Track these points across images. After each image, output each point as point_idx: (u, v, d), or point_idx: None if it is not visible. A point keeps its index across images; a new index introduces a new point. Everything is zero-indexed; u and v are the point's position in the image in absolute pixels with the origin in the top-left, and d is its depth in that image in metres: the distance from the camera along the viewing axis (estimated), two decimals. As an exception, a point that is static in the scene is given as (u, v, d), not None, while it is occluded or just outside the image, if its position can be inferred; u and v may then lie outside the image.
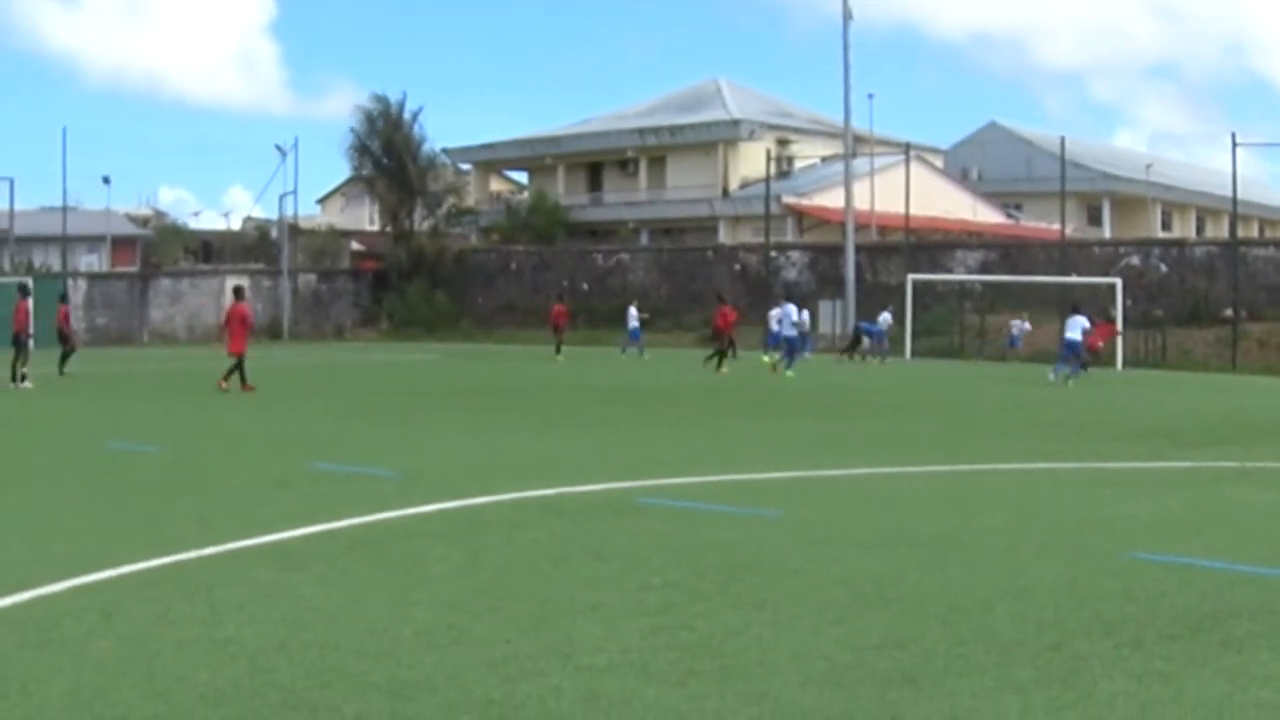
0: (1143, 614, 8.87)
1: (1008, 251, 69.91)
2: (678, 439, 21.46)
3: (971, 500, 14.49)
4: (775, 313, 49.22)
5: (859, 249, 67.64)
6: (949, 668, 7.58)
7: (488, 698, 7.00)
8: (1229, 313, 56.74)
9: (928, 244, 72.22)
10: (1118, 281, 57.04)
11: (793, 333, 44.28)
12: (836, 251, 68.50)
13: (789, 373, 41.70)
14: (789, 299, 48.73)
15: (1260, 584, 9.96)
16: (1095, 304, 57.49)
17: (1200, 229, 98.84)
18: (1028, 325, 56.05)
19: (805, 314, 50.59)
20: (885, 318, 57.49)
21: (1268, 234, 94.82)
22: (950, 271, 67.57)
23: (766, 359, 47.07)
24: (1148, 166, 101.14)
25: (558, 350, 49.86)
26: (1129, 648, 8.03)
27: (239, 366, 30.34)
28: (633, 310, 56.53)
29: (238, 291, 32.39)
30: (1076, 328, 42.20)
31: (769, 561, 10.62)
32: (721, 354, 43.94)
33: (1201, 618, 8.79)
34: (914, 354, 58.12)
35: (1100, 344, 48.49)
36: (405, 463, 17.01)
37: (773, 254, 72.53)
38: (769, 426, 24.16)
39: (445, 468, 16.75)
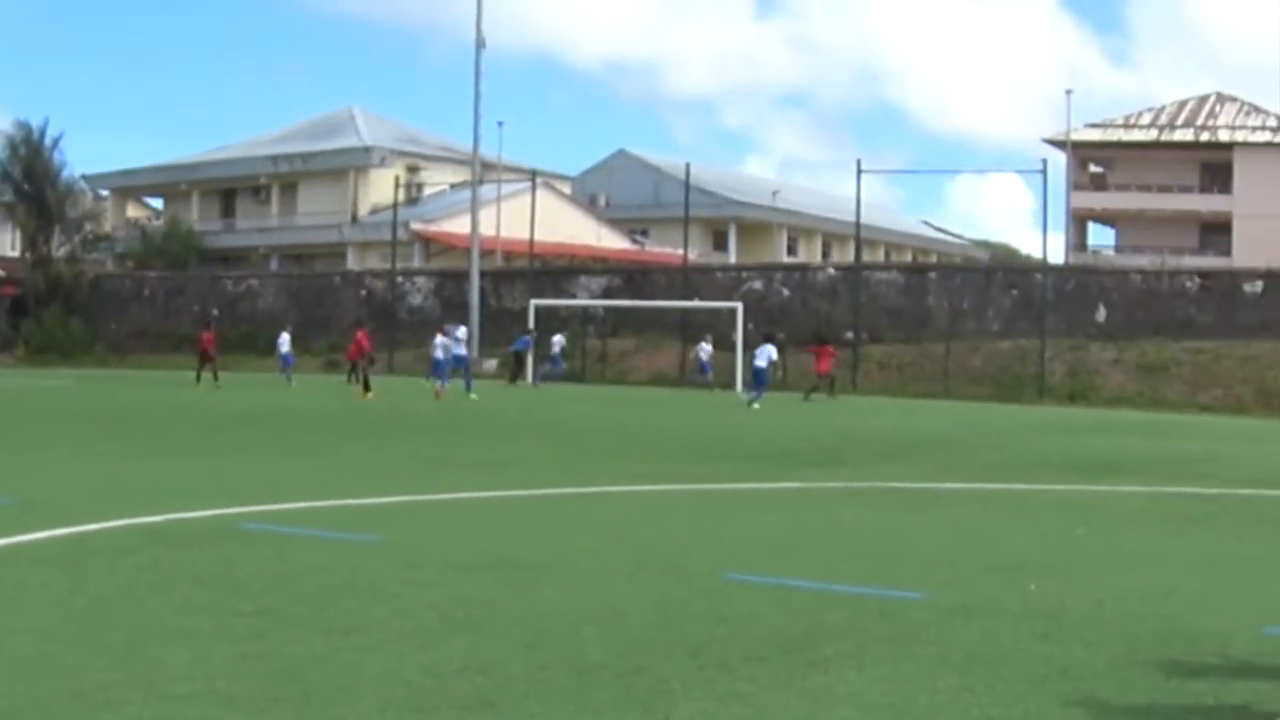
0: (732, 635, 8.80)
1: (631, 276, 71.44)
2: (296, 464, 20.91)
3: (576, 523, 14.42)
4: (440, 340, 49.53)
5: (484, 274, 68.30)
6: (529, 692, 7.38)
7: (71, 727, 6.68)
8: (850, 335, 58.31)
9: (552, 269, 73.59)
10: (739, 306, 58.31)
11: (463, 352, 44.92)
12: (462, 277, 69.02)
13: (472, 395, 42.52)
14: (461, 323, 49.16)
15: (853, 603, 10.00)
16: (718, 328, 58.83)
17: (826, 254, 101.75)
18: (708, 347, 56.62)
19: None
20: (559, 340, 58.07)
21: (893, 258, 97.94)
22: (574, 296, 68.59)
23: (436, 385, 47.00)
24: (775, 193, 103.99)
25: (200, 377, 48.26)
26: (714, 669, 7.93)
27: None
28: (285, 336, 56.12)
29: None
30: (764, 356, 44.04)
31: (363, 586, 10.33)
32: (357, 376, 44.08)
33: (791, 638, 8.76)
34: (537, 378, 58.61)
35: (828, 366, 49.64)
36: (24, 489, 16.15)
37: (399, 280, 72.99)
38: (389, 450, 23.74)
39: (63, 493, 16.00)
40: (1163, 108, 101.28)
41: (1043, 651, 8.59)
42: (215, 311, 72.08)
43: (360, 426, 30.08)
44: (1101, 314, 60.75)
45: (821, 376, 49.49)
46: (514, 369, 57.53)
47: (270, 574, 10.82)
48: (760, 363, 43.90)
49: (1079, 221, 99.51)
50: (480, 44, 66.49)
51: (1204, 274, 62.62)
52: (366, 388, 43.02)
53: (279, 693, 7.30)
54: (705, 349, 56.51)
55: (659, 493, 17.51)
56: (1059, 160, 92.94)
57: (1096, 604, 10.23)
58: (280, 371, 54.43)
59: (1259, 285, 59.09)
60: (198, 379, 47.74)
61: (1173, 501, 18.41)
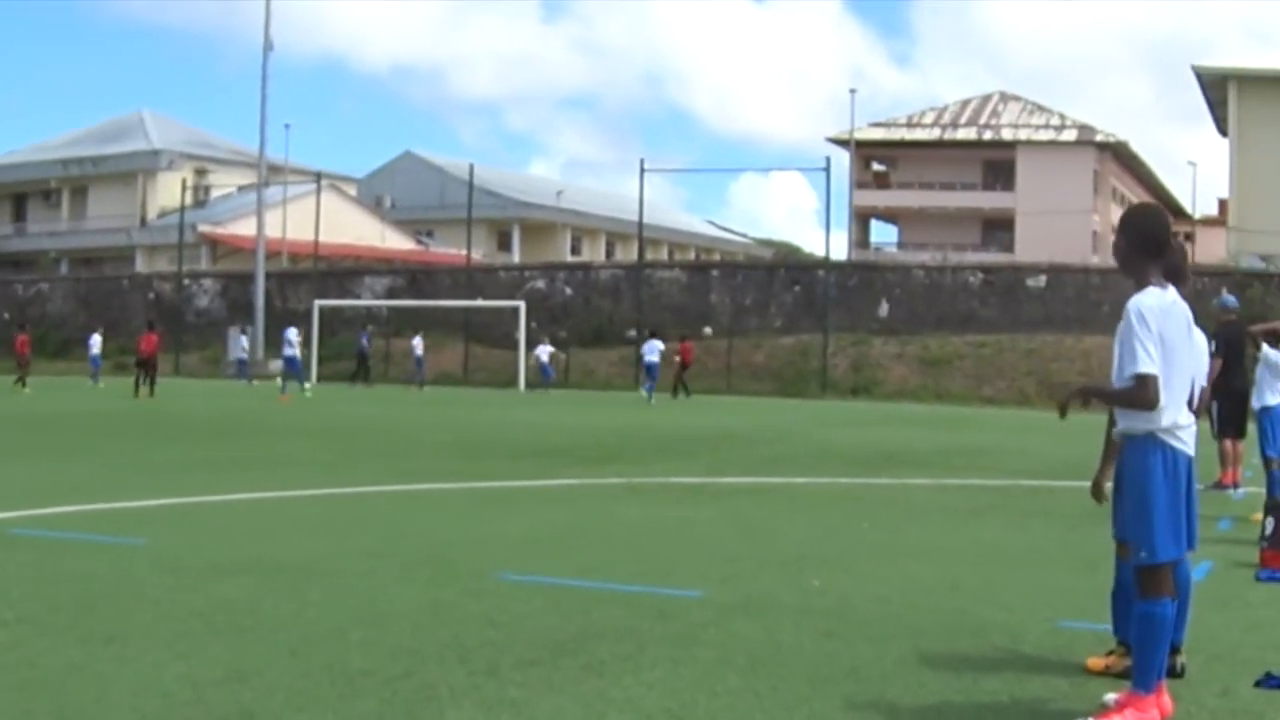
0: (503, 638, 8.43)
1: (415, 277, 71.62)
2: (71, 467, 19.93)
3: (347, 523, 13.92)
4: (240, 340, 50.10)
5: (270, 276, 68.31)
6: (290, 701, 7.00)
7: None
8: (633, 333, 58.40)
9: (338, 270, 73.67)
10: (521, 305, 58.27)
11: (293, 353, 45.87)
12: (248, 279, 68.85)
13: (283, 397, 43.01)
14: (293, 324, 49.29)
15: (629, 602, 9.67)
16: (500, 327, 58.70)
17: (610, 253, 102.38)
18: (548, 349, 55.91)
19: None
20: (417, 342, 57.53)
21: (676, 257, 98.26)
22: (359, 297, 68.69)
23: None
24: (559, 193, 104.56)
25: (20, 381, 47.40)
26: (483, 675, 7.57)
27: None
28: (95, 339, 55.56)
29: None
30: (653, 351, 47.03)
31: (126, 592, 9.87)
32: (145, 380, 43.80)
33: (564, 640, 8.40)
34: (320, 379, 58.35)
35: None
36: None
37: (186, 282, 72.94)
38: (165, 452, 22.86)
39: None
40: (946, 107, 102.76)
41: (827, 650, 8.34)
42: (6, 315, 72.29)
43: (140, 428, 29.24)
44: (884, 309, 61.41)
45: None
46: (362, 369, 57.16)
47: (33, 580, 10.35)
48: (652, 358, 46.29)
49: (861, 219, 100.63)
50: (268, 47, 66.72)
51: (987, 269, 63.56)
52: (146, 388, 43.34)
53: (32, 705, 6.95)
54: (544, 350, 55.72)
55: (433, 491, 17.08)
56: (843, 159, 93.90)
57: (881, 599, 10.02)
58: (91, 375, 54.31)
59: (1042, 280, 60.11)
60: (20, 382, 47.19)
61: (957, 493, 18.45)
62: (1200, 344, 8.05)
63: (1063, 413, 7.37)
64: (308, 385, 45.67)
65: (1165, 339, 6.83)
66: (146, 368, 44.28)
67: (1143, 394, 6.77)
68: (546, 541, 12.71)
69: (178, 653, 8.03)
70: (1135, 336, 6.76)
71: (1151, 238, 7.08)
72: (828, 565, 11.57)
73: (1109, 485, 7.33)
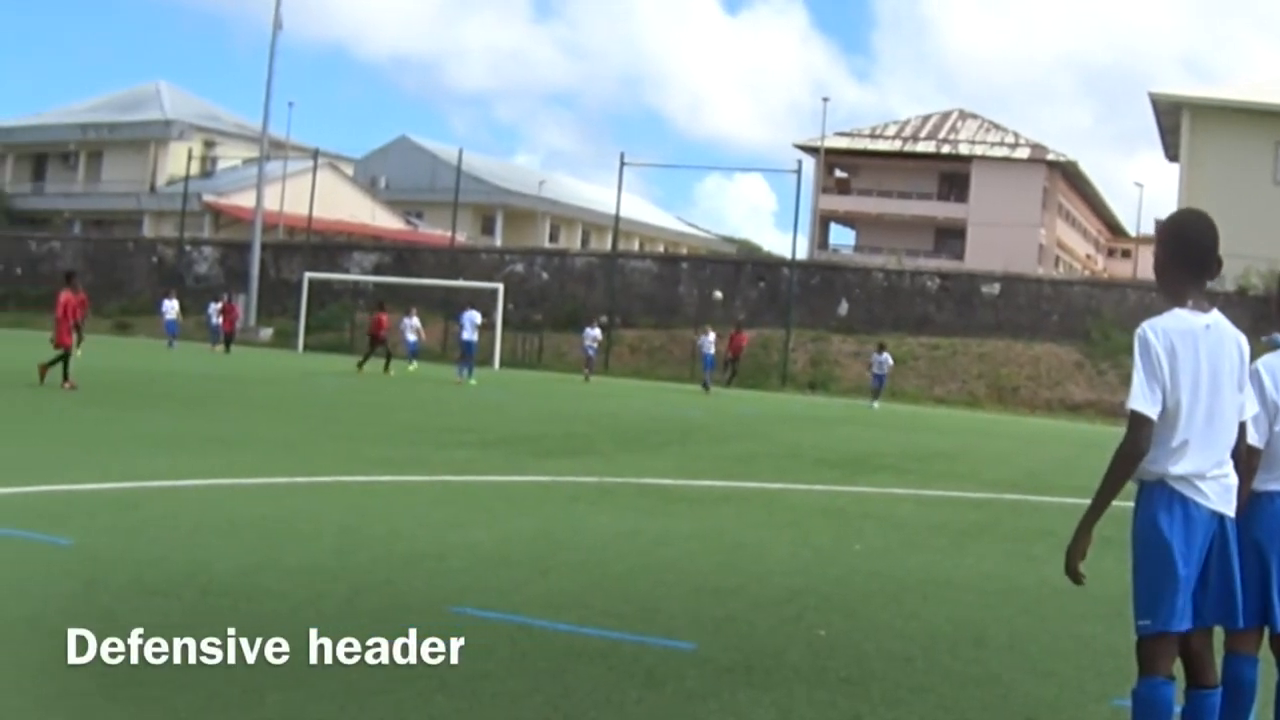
0: (460, 713, 6.16)
1: (401, 255, 70.84)
2: (16, 439, 17.10)
3: (297, 525, 11.35)
4: (410, 322, 47.20)
5: (266, 247, 67.62)
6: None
7: None
8: (604, 319, 57.18)
9: (329, 245, 72.93)
10: (500, 286, 57.36)
11: (471, 337, 43.05)
12: (245, 248, 68.23)
13: (472, 381, 40.71)
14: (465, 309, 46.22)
15: (608, 655, 7.36)
16: (479, 307, 57.22)
17: (585, 242, 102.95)
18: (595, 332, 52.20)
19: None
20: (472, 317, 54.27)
21: (647, 249, 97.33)
22: (347, 271, 67.84)
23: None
24: (541, 183, 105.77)
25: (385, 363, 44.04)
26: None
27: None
28: (169, 303, 55.04)
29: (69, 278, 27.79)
30: (706, 344, 48.09)
31: (15, 617, 7.40)
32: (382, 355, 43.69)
33: (532, 715, 6.20)
34: (306, 348, 57.84)
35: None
36: None
37: (187, 248, 72.46)
38: (121, 423, 20.20)
39: None
40: (907, 121, 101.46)
41: (856, 743, 6.17)
42: (18, 270, 73.43)
43: (106, 394, 26.48)
44: (844, 308, 60.42)
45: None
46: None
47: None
48: (469, 334, 43.50)
49: (822, 222, 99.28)
50: (277, 26, 66.59)
51: (944, 275, 62.32)
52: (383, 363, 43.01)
53: None
54: (592, 333, 51.68)
55: (397, 485, 14.69)
56: (808, 164, 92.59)
57: (904, 660, 7.81)
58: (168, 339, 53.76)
59: (996, 287, 58.91)
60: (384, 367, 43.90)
61: (940, 507, 16.29)
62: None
63: (1077, 578, 5.21)
64: (473, 379, 41.21)
65: (1182, 371, 4.95)
66: (376, 344, 43.74)
67: (1129, 435, 4.93)
68: (513, 560, 10.26)
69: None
70: (1134, 365, 4.98)
71: (1191, 248, 5.17)
72: (829, 606, 9.36)
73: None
